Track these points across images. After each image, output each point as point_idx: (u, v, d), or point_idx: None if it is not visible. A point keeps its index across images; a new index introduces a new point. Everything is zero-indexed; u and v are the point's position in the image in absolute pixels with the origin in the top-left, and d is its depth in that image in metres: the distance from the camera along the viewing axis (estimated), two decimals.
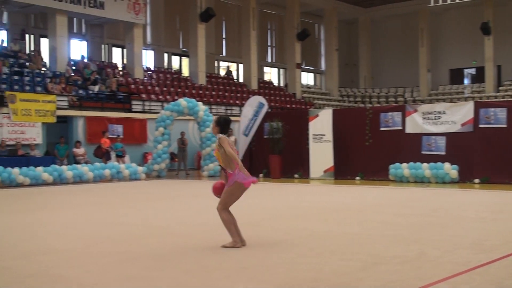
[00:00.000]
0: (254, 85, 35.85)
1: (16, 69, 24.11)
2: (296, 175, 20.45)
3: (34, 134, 22.00)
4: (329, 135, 19.71)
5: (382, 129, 19.18)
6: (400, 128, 18.83)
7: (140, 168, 21.42)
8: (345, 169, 19.56)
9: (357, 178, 19.19)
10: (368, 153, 19.29)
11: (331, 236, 7.89)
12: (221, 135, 7.14)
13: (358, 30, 45.74)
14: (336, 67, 42.88)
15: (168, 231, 8.48)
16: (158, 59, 35.07)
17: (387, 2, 42.46)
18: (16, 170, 17.97)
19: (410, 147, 18.49)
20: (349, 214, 10.30)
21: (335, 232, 8.24)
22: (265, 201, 12.86)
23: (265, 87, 37.59)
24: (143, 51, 31.22)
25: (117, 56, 33.56)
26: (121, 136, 23.66)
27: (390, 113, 19.15)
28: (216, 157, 7.26)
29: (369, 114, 19.50)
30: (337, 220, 9.54)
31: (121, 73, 29.74)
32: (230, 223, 7.18)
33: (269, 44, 43.17)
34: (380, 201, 12.73)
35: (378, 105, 38.74)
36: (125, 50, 31.49)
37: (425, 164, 17.60)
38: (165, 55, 35.85)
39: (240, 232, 7.23)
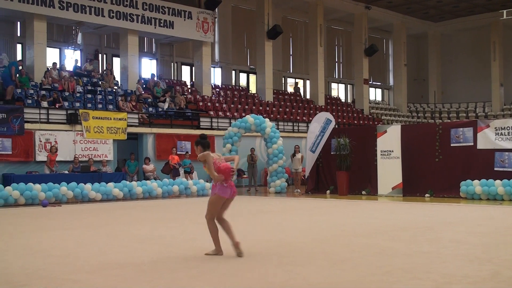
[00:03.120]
0: (321, 101, 35.75)
1: (89, 87, 24.88)
2: (363, 192, 20.21)
3: (106, 151, 22.58)
4: (397, 151, 19.42)
5: (452, 145, 18.77)
6: (471, 144, 18.38)
7: (208, 184, 21.60)
8: (414, 186, 19.21)
9: (427, 195, 18.79)
10: (438, 170, 18.89)
11: (401, 254, 7.73)
12: (202, 153, 7.74)
13: (427, 45, 45.06)
14: (404, 82, 42.30)
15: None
16: (226, 76, 35.48)
17: (458, 15, 41.70)
18: (88, 185, 18.47)
19: (482, 163, 18.01)
20: (419, 232, 10.07)
21: (404, 250, 8.07)
22: (333, 218, 12.74)
23: (332, 103, 37.43)
24: (211, 69, 31.68)
25: (186, 74, 34.16)
26: (189, 153, 23.98)
27: (461, 129, 18.72)
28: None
29: (439, 129, 19.11)
30: (406, 238, 9.34)
31: (189, 90, 30.23)
32: (215, 233, 7.82)
33: (336, 60, 43.03)
34: (451, 219, 12.40)
35: (449, 120, 37.98)
36: (193, 68, 32.04)
37: (498, 181, 17.08)
38: (233, 73, 36.24)
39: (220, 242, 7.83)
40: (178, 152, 23.71)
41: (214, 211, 7.82)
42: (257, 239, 9.44)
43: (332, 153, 21.07)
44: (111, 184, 19.05)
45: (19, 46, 27.30)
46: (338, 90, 43.57)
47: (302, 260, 7.31)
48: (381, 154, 19.78)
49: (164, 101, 26.34)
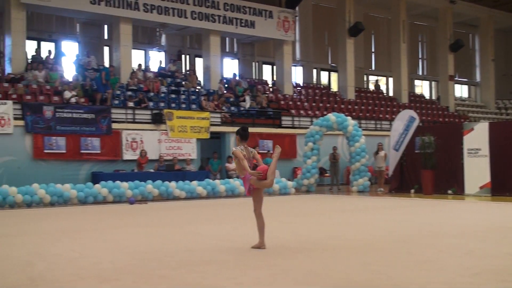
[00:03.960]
0: (405, 99, 35.10)
1: (173, 88, 25.41)
2: (449, 191, 19.67)
3: (190, 150, 22.99)
4: (485, 149, 18.80)
5: None
6: None
7: (290, 183, 21.64)
8: (503, 185, 18.54)
9: None
10: None
11: (490, 255, 7.48)
12: (234, 148, 8.29)
13: None
14: (492, 78, 40.94)
15: (319, 245, 8.47)
16: (307, 74, 35.40)
17: None
18: (173, 184, 18.88)
19: None
20: (509, 232, 9.71)
21: (493, 251, 7.80)
22: (418, 218, 12.49)
23: (416, 101, 36.68)
24: (292, 68, 31.68)
25: (267, 73, 34.32)
26: (271, 151, 24.05)
27: None
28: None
29: None
30: (495, 239, 9.03)
31: (271, 89, 30.35)
32: (261, 227, 8.27)
33: (420, 56, 42.14)
34: None
35: None
36: (275, 67, 32.15)
37: None
38: (314, 71, 36.11)
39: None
40: (260, 151, 23.83)
41: (259, 204, 8.44)
42: (340, 237, 9.37)
43: (416, 151, 20.63)
44: (194, 182, 19.40)
45: (106, 49, 28.24)
46: (422, 87, 42.66)
47: (387, 260, 7.20)
48: (468, 153, 19.22)
49: (243, 100, 26.59)
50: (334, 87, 36.03)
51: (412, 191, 20.55)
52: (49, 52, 24.31)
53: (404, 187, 21.21)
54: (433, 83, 42.87)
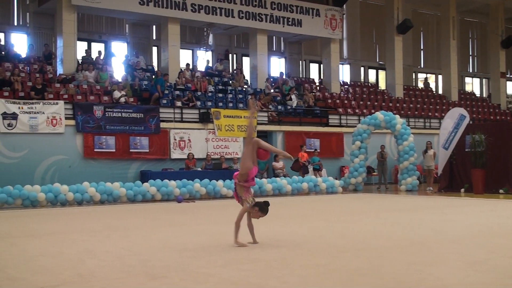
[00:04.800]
0: (454, 97, 34.51)
1: (220, 87, 25.57)
2: (501, 191, 19.26)
3: (237, 149, 23.10)
4: None
5: None
6: None
7: (337, 182, 21.53)
8: None
9: None
10: None
11: None
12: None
13: None
14: None
15: (365, 245, 8.41)
16: (354, 73, 35.16)
17: None
18: (220, 182, 18.99)
19: None
20: None
21: None
22: (467, 217, 12.27)
23: (466, 98, 36.04)
24: (340, 66, 31.50)
25: (314, 71, 34.21)
26: (318, 150, 23.99)
27: None
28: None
29: None
30: None
31: (318, 88, 30.24)
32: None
33: (470, 53, 41.36)
34: None
35: None
36: (322, 65, 32.02)
37: None
38: (362, 69, 35.84)
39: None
40: (307, 150, 23.79)
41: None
42: (387, 237, 9.27)
43: (466, 150, 20.27)
44: None
45: (154, 49, 28.62)
46: (473, 85, 41.87)
47: (435, 260, 7.10)
48: None
49: (290, 99, 26.56)
50: (382, 85, 35.67)
51: (462, 190, 20.20)
52: (99, 52, 24.78)
53: (454, 186, 20.87)
54: (484, 80, 42.05)
